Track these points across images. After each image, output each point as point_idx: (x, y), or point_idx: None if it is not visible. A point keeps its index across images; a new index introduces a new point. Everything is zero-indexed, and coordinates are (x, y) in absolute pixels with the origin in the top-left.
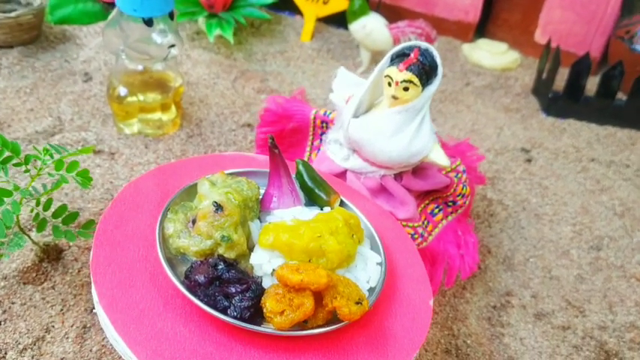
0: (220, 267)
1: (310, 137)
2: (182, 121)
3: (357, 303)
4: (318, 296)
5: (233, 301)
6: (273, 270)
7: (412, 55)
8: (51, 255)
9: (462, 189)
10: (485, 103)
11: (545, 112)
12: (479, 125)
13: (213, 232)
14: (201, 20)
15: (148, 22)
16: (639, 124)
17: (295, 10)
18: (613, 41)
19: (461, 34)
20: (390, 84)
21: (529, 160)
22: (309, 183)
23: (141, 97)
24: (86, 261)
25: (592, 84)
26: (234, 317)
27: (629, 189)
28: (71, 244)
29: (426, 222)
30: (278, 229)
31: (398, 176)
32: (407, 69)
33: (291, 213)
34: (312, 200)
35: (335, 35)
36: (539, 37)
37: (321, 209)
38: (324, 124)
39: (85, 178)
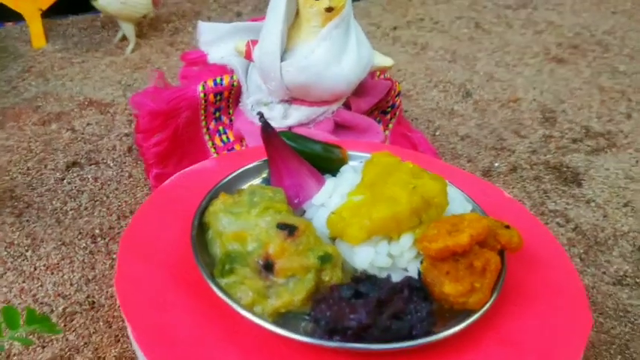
0: (365, 287)
1: (203, 121)
2: None
3: (506, 227)
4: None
5: (410, 318)
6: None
7: None
8: None
9: (398, 86)
10: None
11: None
12: None
13: (304, 261)
14: None
15: None
16: None
17: (8, 18)
18: None
19: None
20: None
21: None
22: (310, 149)
23: None
24: None
25: None
26: (425, 333)
27: None
28: None
29: None
30: (357, 212)
31: (346, 106)
32: None
33: (327, 194)
34: (323, 169)
35: (70, 26)
36: None
37: (336, 172)
38: (218, 96)
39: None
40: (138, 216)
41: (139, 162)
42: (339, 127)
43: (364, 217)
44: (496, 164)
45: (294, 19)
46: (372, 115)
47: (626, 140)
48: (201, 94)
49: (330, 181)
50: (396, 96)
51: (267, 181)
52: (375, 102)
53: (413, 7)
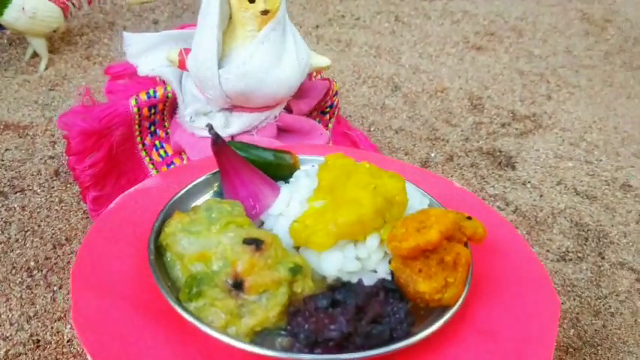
0: (341, 295)
1: (138, 137)
2: None
3: (468, 218)
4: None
5: (389, 321)
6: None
7: None
8: None
9: (335, 85)
10: None
11: None
12: None
13: (274, 275)
14: None
15: None
16: None
17: None
18: None
19: None
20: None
21: None
22: (261, 158)
23: None
24: None
25: None
26: (405, 334)
27: None
28: None
29: None
30: (321, 219)
31: (286, 109)
32: None
33: (285, 202)
34: (275, 176)
35: None
36: None
37: (288, 179)
38: (153, 110)
39: None
40: (85, 245)
41: (68, 185)
42: (282, 131)
43: (329, 222)
44: (432, 155)
45: (227, 25)
46: (311, 116)
47: (550, 121)
48: (135, 109)
49: (285, 189)
50: (334, 95)
51: (218, 195)
52: (315, 103)
53: (332, 4)
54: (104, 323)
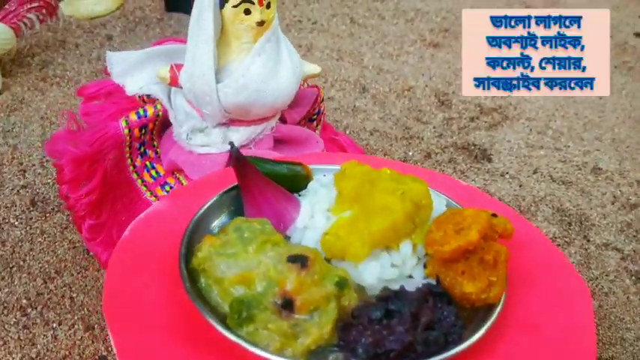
0: (394, 305)
1: (128, 159)
2: None
3: (493, 215)
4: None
5: (442, 326)
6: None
7: None
8: None
9: (322, 92)
10: None
11: None
12: None
13: (322, 291)
14: None
15: None
16: None
17: None
18: None
19: None
20: (249, 11)
21: None
22: (276, 171)
23: None
24: None
25: None
26: (459, 337)
27: None
28: None
29: None
30: (354, 229)
31: (281, 120)
32: None
33: (308, 215)
34: (289, 189)
35: None
36: None
37: (301, 190)
38: (143, 130)
39: None
40: (110, 279)
41: (47, 215)
42: (278, 142)
43: (362, 232)
44: (410, 153)
45: (219, 38)
46: (300, 124)
47: (516, 112)
48: (126, 130)
49: (305, 201)
50: (321, 102)
51: (234, 214)
52: (306, 111)
53: (287, 9)
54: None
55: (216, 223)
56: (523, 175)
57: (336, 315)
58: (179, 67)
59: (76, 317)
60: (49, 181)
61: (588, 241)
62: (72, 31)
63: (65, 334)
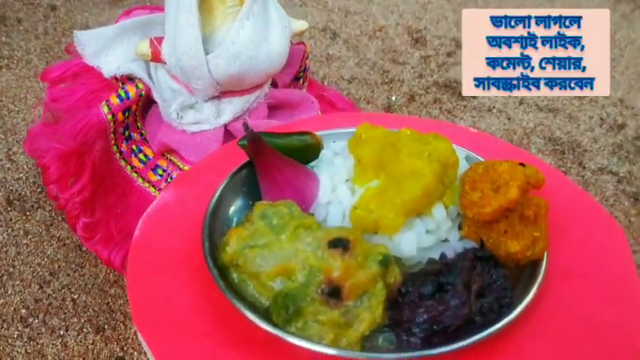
0: (445, 277)
1: (114, 145)
2: None
3: (521, 165)
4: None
5: (492, 291)
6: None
7: None
8: None
9: (309, 47)
10: None
11: None
12: None
13: (368, 273)
14: None
15: None
16: None
17: None
18: None
19: None
20: None
21: None
22: (287, 144)
23: None
24: None
25: None
26: (511, 300)
27: None
28: None
29: None
30: (384, 200)
31: (272, 85)
32: None
33: (329, 188)
34: (301, 161)
35: None
36: None
37: (313, 161)
38: (127, 113)
39: None
40: (132, 284)
41: (27, 214)
42: (271, 109)
43: (394, 202)
44: (393, 98)
45: (200, 3)
46: (290, 85)
47: None
48: (109, 116)
49: (323, 174)
50: (307, 58)
51: (247, 197)
52: (295, 71)
53: None
54: None
55: (233, 209)
56: (510, 107)
57: (385, 295)
58: (159, 40)
59: (82, 320)
60: (21, 175)
61: (584, 167)
62: (9, 4)
63: (75, 340)
